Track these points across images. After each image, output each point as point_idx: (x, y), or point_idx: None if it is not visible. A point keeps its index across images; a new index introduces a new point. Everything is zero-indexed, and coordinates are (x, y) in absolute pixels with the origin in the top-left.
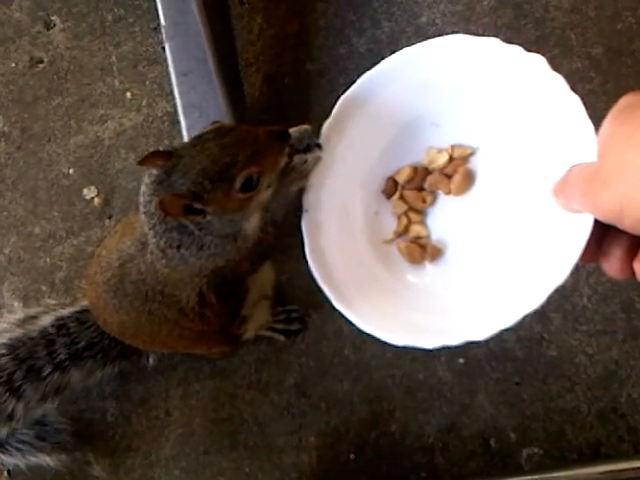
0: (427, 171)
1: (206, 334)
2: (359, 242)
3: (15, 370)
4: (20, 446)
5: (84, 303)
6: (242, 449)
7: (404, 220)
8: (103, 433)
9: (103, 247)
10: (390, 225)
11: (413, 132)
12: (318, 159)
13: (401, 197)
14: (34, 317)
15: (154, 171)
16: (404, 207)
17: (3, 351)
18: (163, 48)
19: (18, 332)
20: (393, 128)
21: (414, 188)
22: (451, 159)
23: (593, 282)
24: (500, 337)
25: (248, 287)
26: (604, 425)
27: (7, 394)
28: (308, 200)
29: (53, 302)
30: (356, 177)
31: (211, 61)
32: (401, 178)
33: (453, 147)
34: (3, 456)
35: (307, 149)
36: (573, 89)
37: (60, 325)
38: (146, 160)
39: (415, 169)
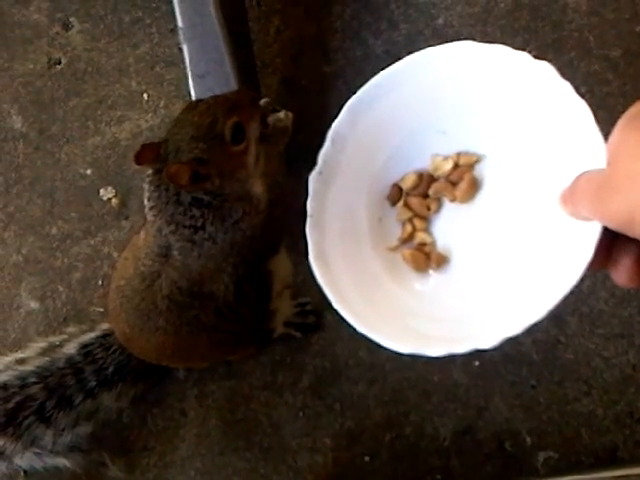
0: (432, 178)
1: (242, 335)
2: (363, 248)
3: (46, 399)
4: (36, 449)
5: (105, 327)
6: (257, 450)
7: (409, 227)
8: (119, 433)
9: (120, 278)
10: (394, 232)
11: (419, 139)
12: (290, 115)
13: (405, 204)
14: (58, 346)
15: (150, 170)
16: (409, 214)
17: (33, 379)
18: (180, 50)
19: (44, 360)
20: (399, 134)
21: (419, 195)
22: (456, 166)
23: (610, 285)
24: (516, 340)
25: (272, 279)
26: (620, 429)
27: (38, 422)
28: (312, 205)
29: (73, 329)
30: (361, 183)
31: (228, 63)
32: (406, 185)
33: (459, 154)
34: (20, 459)
35: (274, 111)
36: (590, 91)
37: (86, 353)
38: (141, 156)
39: (420, 176)
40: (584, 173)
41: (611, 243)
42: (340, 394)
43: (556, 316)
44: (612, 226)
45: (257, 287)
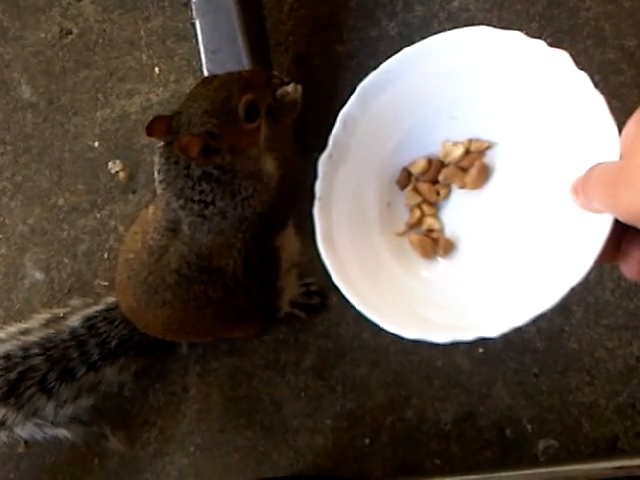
0: (442, 164)
1: (249, 312)
2: (371, 232)
3: (48, 371)
4: (37, 420)
5: (109, 300)
6: (258, 428)
7: (417, 212)
8: (120, 407)
9: (128, 251)
10: (403, 217)
11: (430, 124)
12: (299, 88)
13: (414, 189)
14: (62, 318)
15: (161, 142)
16: (417, 199)
17: (36, 350)
18: (193, 24)
19: (48, 332)
20: (410, 119)
21: (428, 180)
22: (467, 152)
23: (616, 276)
24: (520, 328)
25: (280, 255)
26: (621, 420)
27: (40, 393)
28: (321, 188)
29: (78, 302)
30: (370, 167)
31: (241, 39)
32: (415, 170)
33: (470, 141)
34: (21, 429)
35: (283, 83)
36: (604, 80)
37: (90, 325)
38: (152, 128)
39: (430, 161)
40: (597, 164)
41: (621, 235)
42: (342, 376)
43: (561, 305)
44: (623, 219)
45: (265, 263)
